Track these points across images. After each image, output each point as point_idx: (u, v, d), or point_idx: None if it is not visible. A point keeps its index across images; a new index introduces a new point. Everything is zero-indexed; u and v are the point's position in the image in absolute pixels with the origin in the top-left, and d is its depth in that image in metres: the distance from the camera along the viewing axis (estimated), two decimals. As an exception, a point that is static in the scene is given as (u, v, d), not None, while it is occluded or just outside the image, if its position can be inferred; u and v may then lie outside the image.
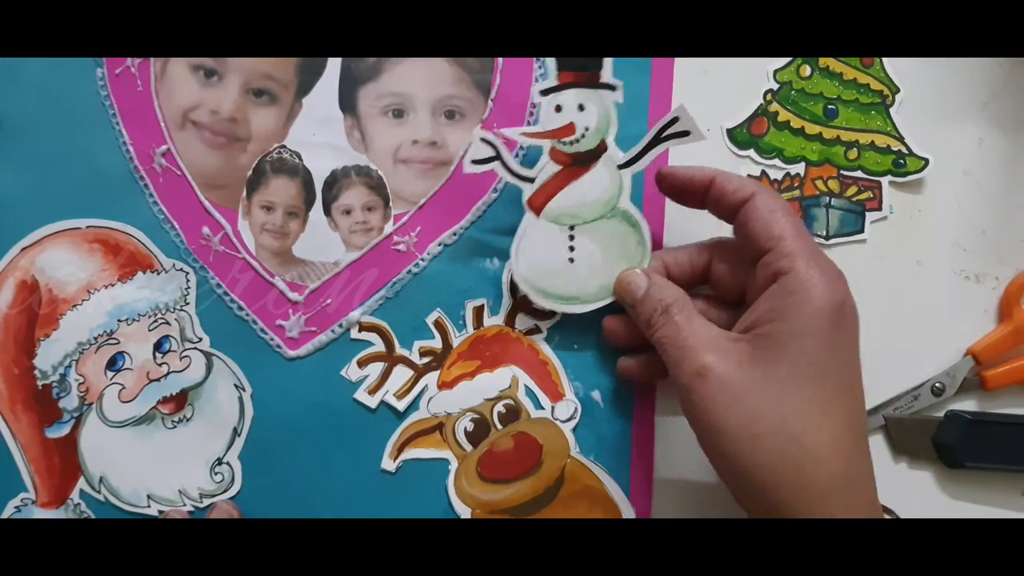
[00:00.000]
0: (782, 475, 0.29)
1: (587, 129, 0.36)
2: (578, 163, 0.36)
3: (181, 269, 0.39)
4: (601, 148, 0.36)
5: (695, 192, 0.35)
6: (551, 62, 0.36)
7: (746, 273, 0.34)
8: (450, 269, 0.39)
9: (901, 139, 0.40)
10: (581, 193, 0.36)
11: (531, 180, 0.37)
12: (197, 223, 0.39)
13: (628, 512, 0.38)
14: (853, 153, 0.40)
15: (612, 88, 0.36)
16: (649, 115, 0.40)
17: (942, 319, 0.40)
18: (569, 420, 0.39)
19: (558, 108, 0.36)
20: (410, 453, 0.39)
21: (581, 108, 0.36)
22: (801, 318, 0.30)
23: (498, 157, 0.36)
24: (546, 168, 0.36)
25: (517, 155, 0.39)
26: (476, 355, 0.39)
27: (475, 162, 0.36)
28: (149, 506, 0.38)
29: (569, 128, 0.36)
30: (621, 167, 0.36)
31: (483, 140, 0.36)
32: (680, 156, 0.39)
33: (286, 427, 0.39)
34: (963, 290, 0.40)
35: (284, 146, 0.39)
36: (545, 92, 0.36)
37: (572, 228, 0.37)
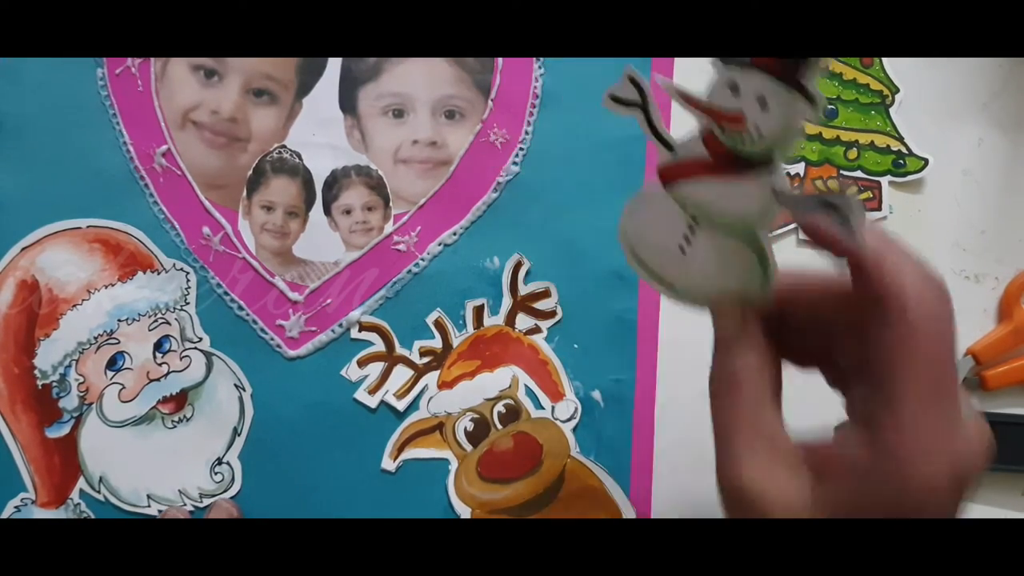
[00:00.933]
0: None
1: (759, 131, 0.27)
2: (729, 162, 0.28)
3: (181, 269, 0.39)
4: (765, 161, 0.27)
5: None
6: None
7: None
8: (450, 269, 0.39)
9: (901, 139, 0.40)
10: (721, 196, 0.28)
11: (671, 149, 0.29)
12: (197, 223, 0.39)
13: (628, 512, 0.38)
14: (853, 153, 0.40)
15: (811, 100, 0.26)
16: (649, 115, 0.40)
17: (942, 319, 0.40)
18: (569, 420, 0.39)
19: (734, 88, 0.27)
20: (410, 453, 0.39)
21: (763, 105, 0.26)
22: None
23: (641, 106, 0.29)
24: (693, 146, 0.28)
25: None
26: (476, 355, 0.39)
27: (614, 99, 0.29)
28: (149, 506, 0.38)
29: (737, 118, 0.27)
30: (778, 195, 0.27)
31: (630, 79, 0.29)
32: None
33: (286, 427, 0.39)
34: (963, 290, 0.40)
35: (284, 146, 0.39)
36: (728, 62, 0.27)
37: (695, 219, 0.29)
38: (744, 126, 0.27)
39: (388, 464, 0.38)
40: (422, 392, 0.39)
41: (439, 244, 0.39)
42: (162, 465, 0.38)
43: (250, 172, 0.39)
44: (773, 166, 0.27)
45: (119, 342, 0.39)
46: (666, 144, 0.29)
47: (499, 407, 0.39)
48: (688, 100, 0.27)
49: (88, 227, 0.39)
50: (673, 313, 0.39)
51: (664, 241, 0.30)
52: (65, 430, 0.39)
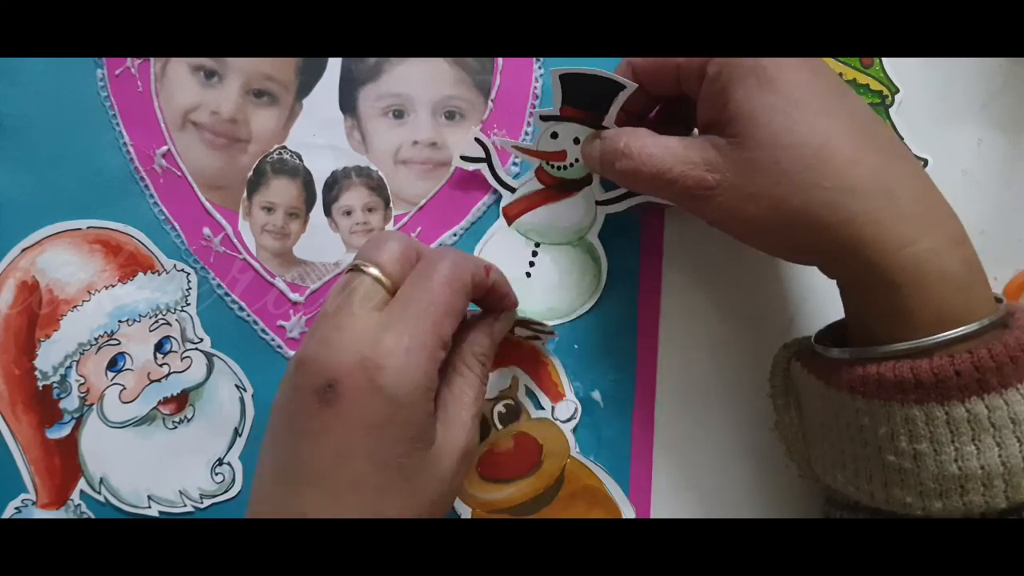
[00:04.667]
0: (822, 214, 0.28)
1: (577, 160, 0.37)
2: (560, 188, 0.38)
3: (182, 270, 0.39)
4: (586, 180, 0.38)
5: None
6: (557, 92, 0.35)
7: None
8: (450, 269, 0.39)
9: (900, 139, 0.40)
10: (556, 216, 0.38)
11: (513, 190, 0.38)
12: (198, 224, 0.39)
13: (628, 512, 0.39)
14: (853, 153, 0.40)
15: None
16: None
17: (941, 319, 0.40)
18: (569, 420, 0.39)
19: (554, 135, 0.37)
20: (410, 453, 0.39)
21: (576, 141, 0.37)
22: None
23: (487, 160, 0.38)
24: (530, 183, 0.38)
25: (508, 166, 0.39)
26: (476, 355, 0.39)
27: (464, 158, 0.38)
28: (150, 507, 0.38)
29: (561, 154, 0.37)
30: (599, 203, 0.38)
31: (476, 140, 0.38)
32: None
33: (287, 427, 0.39)
34: (962, 290, 0.40)
35: (285, 147, 0.39)
36: (545, 118, 0.36)
37: (537, 245, 0.38)
38: (567, 159, 0.37)
39: (389, 464, 0.38)
40: (422, 392, 0.39)
41: (439, 245, 0.39)
42: (163, 466, 0.38)
43: (250, 173, 0.39)
44: (592, 183, 0.38)
45: (120, 343, 0.39)
46: (508, 187, 0.38)
47: (499, 407, 0.39)
48: (523, 151, 0.38)
49: (88, 228, 0.39)
50: (673, 313, 0.39)
51: (512, 273, 0.37)
52: (66, 431, 0.39)
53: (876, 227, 0.28)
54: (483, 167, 0.38)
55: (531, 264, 0.38)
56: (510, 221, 0.38)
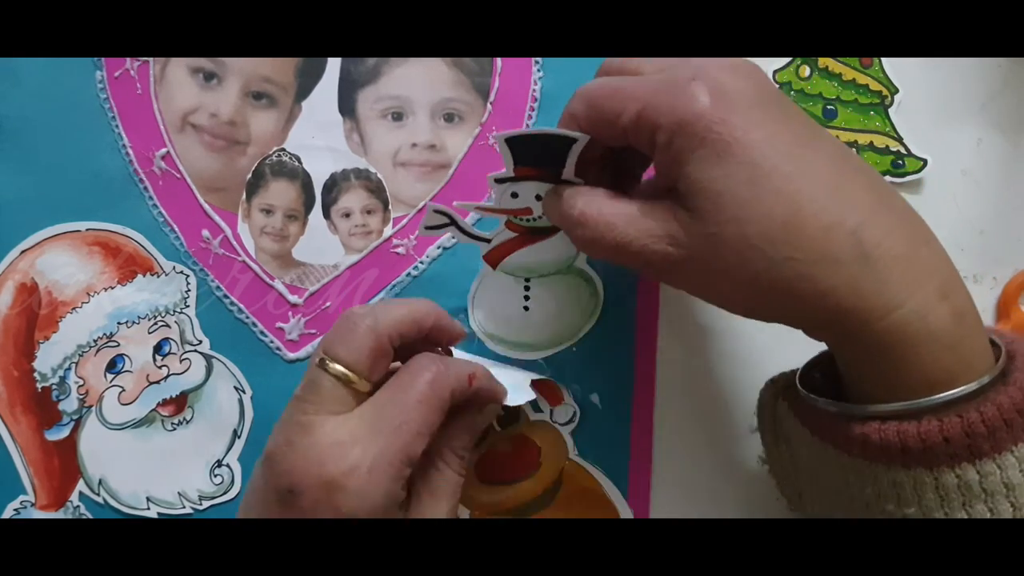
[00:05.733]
0: (782, 277, 0.26)
1: (543, 215, 0.34)
2: (534, 233, 0.35)
3: (181, 272, 0.39)
4: (555, 228, 0.35)
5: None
6: (507, 155, 0.31)
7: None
8: (449, 272, 0.39)
9: (900, 139, 0.40)
10: (538, 253, 0.36)
11: (488, 241, 0.36)
12: (197, 226, 0.39)
13: (626, 513, 0.38)
14: (852, 154, 0.40)
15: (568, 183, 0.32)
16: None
17: (942, 320, 0.40)
18: (568, 423, 0.39)
19: (514, 195, 0.33)
20: (410, 455, 0.38)
21: (538, 198, 0.33)
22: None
23: (452, 223, 0.35)
24: (503, 233, 0.35)
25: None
26: (475, 357, 0.39)
27: (428, 228, 0.35)
28: (148, 508, 0.38)
29: (526, 211, 0.34)
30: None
31: (436, 211, 0.35)
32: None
33: (286, 429, 0.39)
34: (962, 291, 0.40)
35: (284, 149, 0.39)
36: (500, 181, 0.33)
37: (528, 280, 0.38)
38: (532, 214, 0.34)
39: (388, 466, 0.38)
40: (421, 394, 0.39)
41: (438, 247, 0.39)
42: (162, 467, 0.38)
43: (249, 175, 0.39)
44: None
45: (119, 345, 0.39)
46: (482, 239, 0.36)
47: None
48: (487, 210, 0.35)
49: (87, 230, 0.39)
50: (672, 315, 0.39)
51: (510, 310, 0.38)
52: (65, 433, 0.39)
53: (857, 297, 0.26)
54: (451, 230, 0.35)
55: (526, 299, 0.38)
56: (494, 266, 0.37)
